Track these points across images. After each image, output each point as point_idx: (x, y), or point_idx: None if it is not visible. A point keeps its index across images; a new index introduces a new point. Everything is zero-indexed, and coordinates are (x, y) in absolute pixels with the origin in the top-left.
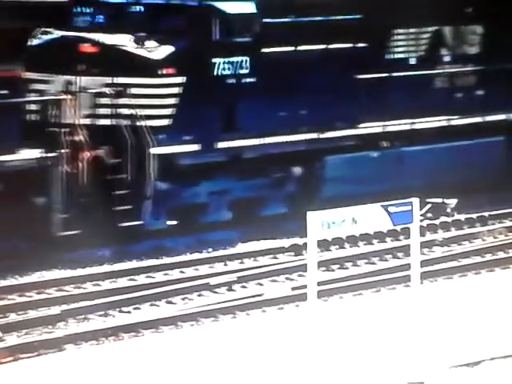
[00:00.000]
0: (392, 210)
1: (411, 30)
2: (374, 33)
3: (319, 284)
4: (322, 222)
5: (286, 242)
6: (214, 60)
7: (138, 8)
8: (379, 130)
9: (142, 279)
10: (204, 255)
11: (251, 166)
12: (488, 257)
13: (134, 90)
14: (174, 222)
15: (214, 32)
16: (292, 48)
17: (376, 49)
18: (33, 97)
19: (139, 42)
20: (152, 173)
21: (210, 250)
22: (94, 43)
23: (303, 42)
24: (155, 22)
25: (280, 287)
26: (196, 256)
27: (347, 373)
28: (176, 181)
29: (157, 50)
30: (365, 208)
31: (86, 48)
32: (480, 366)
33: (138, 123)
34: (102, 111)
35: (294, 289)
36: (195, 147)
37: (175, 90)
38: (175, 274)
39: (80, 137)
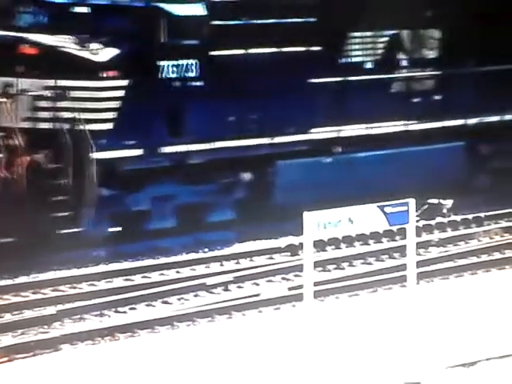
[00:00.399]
0: (388, 210)
1: (367, 34)
2: (327, 36)
3: (315, 284)
4: (318, 222)
5: (282, 242)
6: (159, 63)
7: (81, 8)
8: (332, 135)
9: (138, 279)
10: (200, 255)
11: (197, 171)
12: (484, 257)
13: (75, 93)
14: (116, 229)
15: (161, 34)
16: (242, 51)
17: (330, 52)
18: None
19: (82, 43)
20: (93, 178)
21: (206, 250)
22: (35, 44)
23: (254, 45)
24: (99, 22)
25: (276, 287)
26: (192, 256)
27: (344, 373)
28: (118, 186)
29: (100, 52)
30: (361, 208)
31: (27, 49)
32: (476, 367)
33: (79, 127)
34: (41, 114)
35: (290, 289)
36: (139, 152)
37: (118, 93)
38: (171, 273)
39: (18, 141)
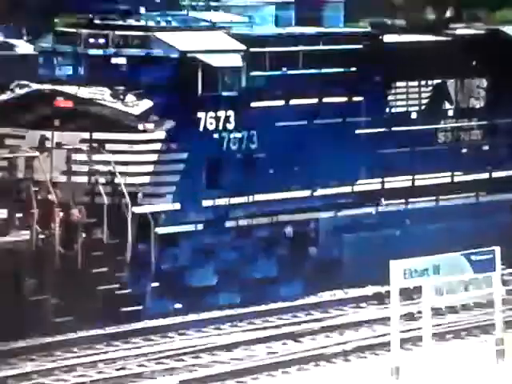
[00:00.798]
0: (474, 258)
1: (411, 84)
2: (371, 86)
3: (402, 332)
4: (404, 271)
5: (369, 291)
6: (197, 114)
7: (117, 59)
8: (377, 186)
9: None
10: (287, 304)
11: (240, 225)
12: None
13: (111, 146)
14: (156, 285)
15: (199, 85)
16: (283, 102)
17: (374, 103)
18: (2, 153)
19: (118, 95)
20: (130, 233)
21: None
22: (71, 97)
23: (295, 96)
24: (135, 74)
25: (361, 336)
26: (279, 305)
27: None
28: (157, 242)
29: (137, 105)
30: (447, 257)
31: (63, 102)
32: None
33: (115, 181)
34: (77, 168)
35: (376, 337)
36: (177, 206)
37: (156, 146)
38: (258, 322)
39: (53, 195)
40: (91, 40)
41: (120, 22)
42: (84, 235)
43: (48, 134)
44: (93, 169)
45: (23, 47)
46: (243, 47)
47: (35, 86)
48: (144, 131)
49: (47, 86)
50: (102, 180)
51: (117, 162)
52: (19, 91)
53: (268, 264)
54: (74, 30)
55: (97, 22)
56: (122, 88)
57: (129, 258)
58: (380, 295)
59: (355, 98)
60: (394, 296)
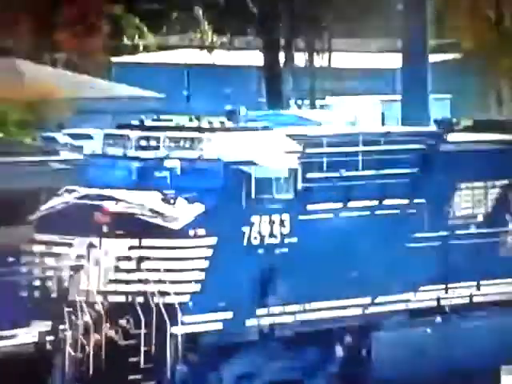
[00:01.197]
0: None
1: (476, 185)
2: (432, 188)
3: None
4: None
5: None
6: (250, 220)
7: (168, 163)
8: (440, 295)
9: None
10: None
11: (294, 342)
12: None
13: (160, 253)
14: None
15: (251, 189)
16: (340, 206)
17: (436, 206)
18: (46, 263)
19: (168, 200)
20: (175, 354)
21: None
22: (119, 201)
23: (352, 199)
24: (185, 178)
25: None
26: None
27: None
28: (199, 365)
29: (186, 209)
30: None
31: (111, 207)
32: None
33: (162, 295)
34: (125, 277)
35: None
36: (224, 324)
37: (204, 253)
38: None
39: (98, 309)
40: (142, 142)
41: (171, 123)
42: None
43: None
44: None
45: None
46: (298, 148)
47: (84, 191)
48: (194, 237)
49: (96, 191)
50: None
51: (166, 270)
52: (68, 196)
53: None
54: (124, 133)
55: (148, 123)
56: (172, 192)
57: None
58: None
59: (416, 201)
60: None
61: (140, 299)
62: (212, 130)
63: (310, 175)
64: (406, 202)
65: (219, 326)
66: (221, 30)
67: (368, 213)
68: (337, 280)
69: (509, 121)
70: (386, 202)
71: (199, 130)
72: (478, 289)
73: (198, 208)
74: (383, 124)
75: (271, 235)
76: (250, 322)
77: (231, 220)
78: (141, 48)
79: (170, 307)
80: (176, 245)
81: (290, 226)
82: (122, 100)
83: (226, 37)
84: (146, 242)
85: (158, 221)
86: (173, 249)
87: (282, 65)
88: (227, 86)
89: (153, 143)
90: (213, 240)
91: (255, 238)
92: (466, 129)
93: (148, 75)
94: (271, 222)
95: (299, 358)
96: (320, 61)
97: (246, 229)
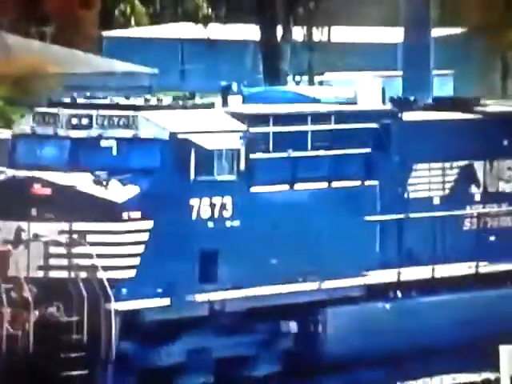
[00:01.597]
0: None
1: (432, 166)
2: (385, 168)
3: None
4: None
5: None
6: (189, 202)
7: (97, 143)
8: (392, 278)
9: None
10: None
11: (236, 320)
12: None
13: (93, 238)
14: None
15: (191, 170)
16: (285, 187)
17: (389, 186)
18: None
19: (100, 181)
20: (113, 332)
21: None
22: (49, 184)
23: (299, 180)
24: (120, 159)
25: None
26: None
27: None
28: (143, 340)
29: (121, 191)
30: None
31: (40, 189)
32: None
33: (97, 275)
34: (55, 262)
35: None
36: (166, 301)
37: (142, 237)
38: None
39: (27, 292)
40: (74, 121)
41: (105, 101)
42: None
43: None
44: (72, 263)
45: None
46: (242, 127)
47: (11, 173)
48: (129, 220)
49: (24, 172)
50: (82, 275)
51: (99, 255)
52: None
53: None
54: (54, 111)
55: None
56: (104, 173)
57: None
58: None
59: (368, 182)
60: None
61: (72, 283)
62: (148, 107)
63: (254, 155)
64: (357, 183)
65: (165, 302)
66: (216, 2)
67: (317, 195)
68: (285, 262)
69: (470, 99)
70: (336, 183)
71: (135, 107)
72: (433, 272)
73: (133, 190)
74: (383, 101)
75: (211, 218)
76: (197, 298)
77: (169, 203)
78: (132, 21)
79: (105, 288)
80: (109, 229)
81: (232, 209)
82: (115, 75)
83: (221, 10)
84: (77, 225)
85: (90, 203)
86: (106, 233)
87: (279, 39)
88: (222, 61)
89: (85, 122)
90: (149, 224)
91: (195, 221)
92: (426, 108)
93: (140, 50)
94: (212, 205)
95: (251, 333)
96: (319, 35)
97: (184, 212)
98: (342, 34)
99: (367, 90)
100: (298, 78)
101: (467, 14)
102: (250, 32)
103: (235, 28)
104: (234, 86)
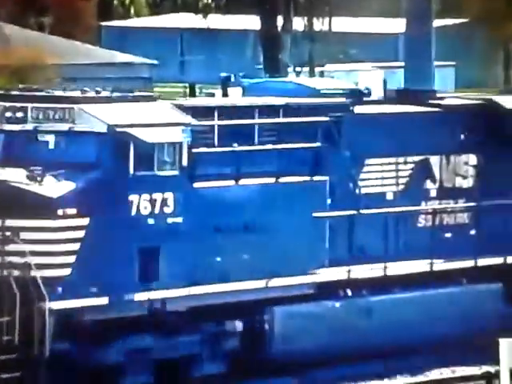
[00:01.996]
0: None
1: (387, 160)
2: (336, 163)
3: None
4: None
5: (478, 370)
6: (128, 198)
7: (32, 137)
8: (342, 276)
9: None
10: None
11: (177, 320)
12: None
13: (26, 235)
14: None
15: (130, 164)
16: (230, 182)
17: (339, 182)
18: None
19: (35, 177)
20: (47, 332)
21: None
22: None
23: (244, 175)
24: (56, 153)
25: None
26: None
27: None
28: (81, 340)
29: (56, 187)
30: None
31: None
32: None
33: (30, 274)
34: None
35: None
36: (103, 301)
37: (78, 234)
38: None
39: None
40: (7, 114)
41: (41, 93)
42: None
43: None
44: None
45: None
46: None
47: None
48: (64, 217)
49: None
50: (15, 273)
51: (32, 253)
52: None
53: None
54: None
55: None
56: (39, 168)
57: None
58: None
59: (318, 178)
60: (504, 376)
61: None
62: (85, 100)
63: (197, 150)
64: (306, 178)
65: (104, 301)
66: None
67: (264, 190)
68: (229, 260)
69: (426, 91)
70: (284, 179)
71: (72, 100)
72: (385, 270)
73: (69, 185)
74: (384, 92)
75: (152, 215)
76: (136, 297)
77: (106, 199)
78: (132, 12)
79: (39, 287)
80: (43, 225)
81: (173, 206)
82: (114, 66)
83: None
84: (10, 222)
85: (24, 200)
86: (40, 230)
87: (279, 30)
88: (222, 51)
89: (19, 115)
90: (85, 221)
91: (135, 218)
92: (380, 101)
93: (139, 40)
94: (152, 201)
95: (194, 333)
96: (320, 26)
97: (123, 208)
98: (343, 24)
99: (369, 82)
100: (298, 68)
101: (469, 5)
102: (250, 22)
103: (235, 18)
104: (233, 78)
